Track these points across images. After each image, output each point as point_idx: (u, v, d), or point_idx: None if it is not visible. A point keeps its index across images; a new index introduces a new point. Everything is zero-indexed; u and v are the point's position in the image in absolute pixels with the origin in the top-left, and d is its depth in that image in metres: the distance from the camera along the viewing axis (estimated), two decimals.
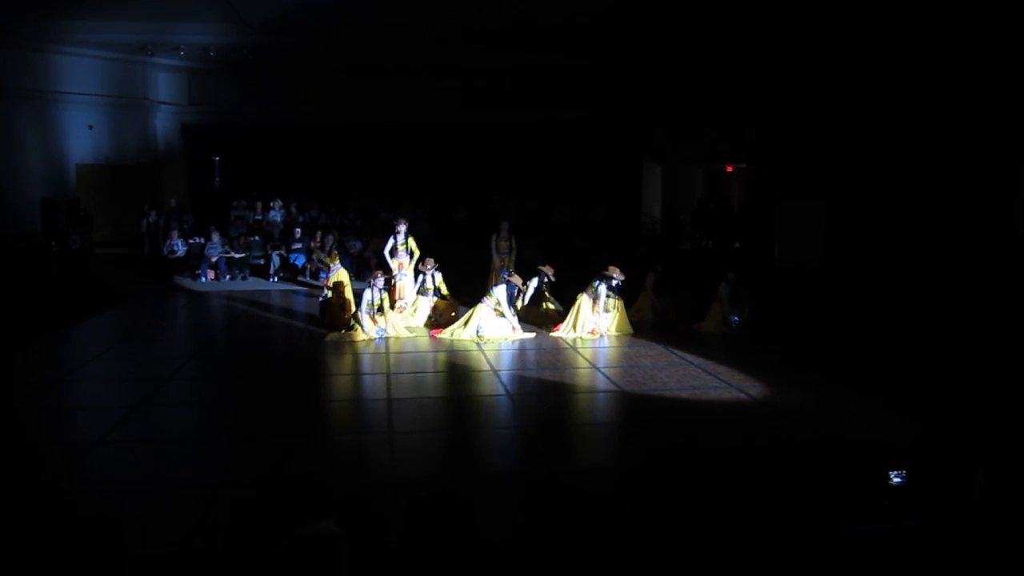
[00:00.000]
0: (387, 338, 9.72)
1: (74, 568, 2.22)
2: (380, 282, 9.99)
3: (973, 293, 11.94)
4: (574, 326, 10.09)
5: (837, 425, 6.37)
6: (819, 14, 14.74)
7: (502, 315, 10.02)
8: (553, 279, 11.03)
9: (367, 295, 9.86)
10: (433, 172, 20.41)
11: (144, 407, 6.91)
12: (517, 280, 10.35)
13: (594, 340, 9.87)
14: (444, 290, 11.09)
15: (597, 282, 10.13)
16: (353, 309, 10.33)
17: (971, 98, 14.43)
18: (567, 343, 9.77)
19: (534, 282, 11.06)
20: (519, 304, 10.98)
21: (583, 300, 10.11)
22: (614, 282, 10.16)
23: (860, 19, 14.59)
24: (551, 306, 11.16)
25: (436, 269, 11.00)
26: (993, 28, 13.22)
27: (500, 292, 10.05)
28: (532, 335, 10.14)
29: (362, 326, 9.76)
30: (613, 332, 10.12)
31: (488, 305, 10.01)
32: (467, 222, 18.68)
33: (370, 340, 9.62)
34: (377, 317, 9.87)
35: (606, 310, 10.16)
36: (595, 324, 10.05)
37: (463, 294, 11.40)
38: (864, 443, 5.91)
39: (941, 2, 13.06)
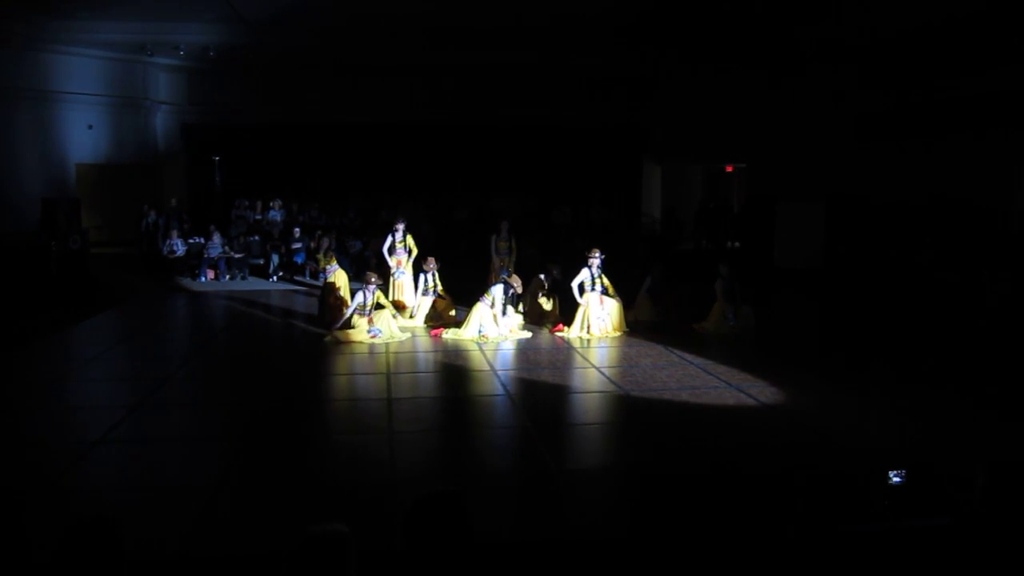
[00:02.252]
0: (384, 339, 9.71)
1: (73, 568, 2.22)
2: (374, 284, 9.99)
3: (974, 293, 11.93)
4: (581, 327, 10.12)
5: (838, 425, 6.37)
6: (820, 14, 14.74)
7: (502, 314, 10.04)
8: (559, 277, 11.06)
9: (359, 296, 9.85)
10: (433, 172, 20.41)
11: (144, 407, 6.91)
12: (515, 282, 10.35)
13: (596, 340, 9.88)
14: (440, 288, 11.10)
15: (584, 270, 10.23)
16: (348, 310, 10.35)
17: (971, 98, 14.43)
18: (567, 343, 9.78)
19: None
20: (520, 305, 11.02)
21: (587, 299, 10.14)
22: (596, 262, 10.26)
23: (860, 19, 14.59)
24: (548, 307, 11.14)
25: (437, 269, 11.01)
26: (993, 28, 13.22)
27: (497, 291, 10.07)
28: (529, 335, 10.15)
29: (354, 326, 9.75)
30: (611, 332, 10.12)
31: (486, 304, 10.02)
32: (467, 222, 18.68)
33: (367, 340, 9.61)
34: (373, 317, 9.86)
35: (604, 293, 10.21)
36: (600, 320, 10.07)
37: (463, 294, 11.39)
38: (865, 442, 5.92)
39: (941, 2, 13.06)
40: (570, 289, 10.41)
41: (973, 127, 14.65)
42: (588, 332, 10.05)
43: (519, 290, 10.50)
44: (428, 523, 2.21)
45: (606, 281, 10.36)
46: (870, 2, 13.88)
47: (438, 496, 2.27)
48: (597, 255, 10.32)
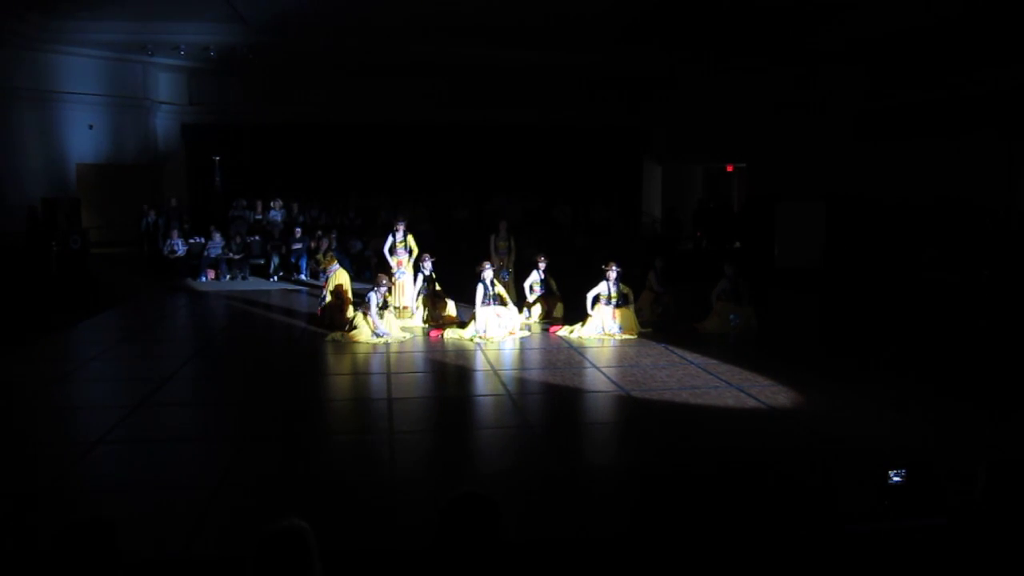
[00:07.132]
0: (387, 340, 9.71)
1: (68, 569, 2.22)
2: (384, 286, 9.99)
3: (974, 293, 11.94)
4: (583, 326, 10.13)
5: (838, 424, 6.37)
6: (819, 14, 14.74)
7: (493, 301, 10.05)
8: (546, 263, 11.06)
9: (373, 297, 9.83)
10: (433, 172, 20.43)
11: (144, 407, 6.91)
12: (488, 274, 10.24)
13: (596, 340, 9.86)
14: (436, 286, 11.10)
15: (601, 283, 10.20)
16: (351, 310, 10.33)
17: (970, 98, 14.44)
18: (567, 343, 9.77)
19: (534, 275, 11.19)
20: (530, 299, 11.12)
21: (600, 311, 10.10)
22: (613, 276, 10.24)
23: (860, 19, 14.59)
24: (558, 314, 11.15)
25: (433, 262, 11.01)
26: (992, 28, 13.22)
27: (487, 276, 10.06)
28: (529, 334, 10.15)
29: (369, 326, 9.74)
30: (620, 334, 10.06)
31: (486, 305, 10.01)
32: (467, 222, 18.68)
33: (370, 341, 9.62)
34: (379, 318, 9.86)
35: (619, 305, 10.19)
36: (608, 324, 10.05)
37: (463, 294, 11.39)
38: (865, 442, 5.91)
39: (940, 2, 13.06)
40: (582, 298, 10.32)
41: (973, 127, 14.65)
42: (604, 332, 10.02)
43: (509, 268, 10.42)
44: (461, 522, 2.23)
45: (625, 289, 10.34)
46: (870, 3, 13.88)
47: (473, 498, 2.28)
48: (614, 269, 10.28)
